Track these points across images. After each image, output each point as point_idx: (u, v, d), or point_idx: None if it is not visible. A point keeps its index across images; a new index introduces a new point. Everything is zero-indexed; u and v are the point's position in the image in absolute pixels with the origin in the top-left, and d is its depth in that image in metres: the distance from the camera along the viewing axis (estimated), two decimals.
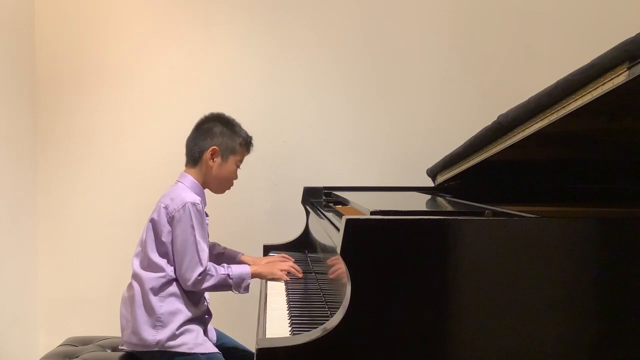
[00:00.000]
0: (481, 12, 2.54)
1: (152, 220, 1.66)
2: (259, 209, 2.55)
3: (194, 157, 1.74)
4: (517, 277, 1.09)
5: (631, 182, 1.78)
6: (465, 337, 1.09)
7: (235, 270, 1.68)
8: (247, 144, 1.78)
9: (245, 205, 2.55)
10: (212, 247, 1.95)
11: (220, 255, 1.94)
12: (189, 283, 1.61)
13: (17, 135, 2.40)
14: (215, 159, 1.72)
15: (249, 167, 2.54)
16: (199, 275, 1.61)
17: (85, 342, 1.93)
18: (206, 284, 1.63)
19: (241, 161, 1.79)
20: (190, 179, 1.73)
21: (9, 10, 2.34)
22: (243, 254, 1.96)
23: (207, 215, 1.74)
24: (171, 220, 1.63)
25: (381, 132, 2.56)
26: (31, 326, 2.53)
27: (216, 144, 1.72)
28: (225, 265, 1.69)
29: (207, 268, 1.63)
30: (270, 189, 2.55)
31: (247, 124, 2.58)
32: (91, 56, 2.53)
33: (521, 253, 1.09)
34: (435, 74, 2.55)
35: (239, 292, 1.69)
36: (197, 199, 1.66)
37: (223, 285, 1.66)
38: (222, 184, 1.78)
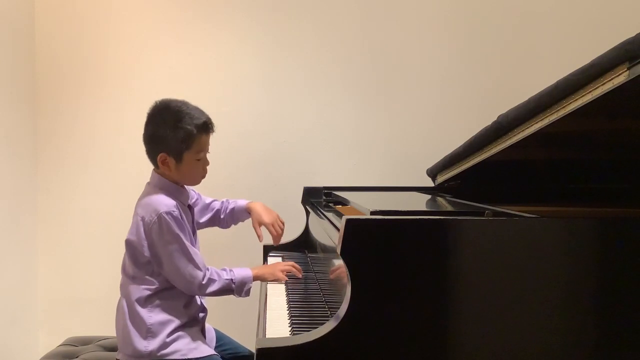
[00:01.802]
0: (481, 12, 2.54)
1: (127, 242, 1.60)
2: None
3: (151, 160, 1.66)
4: (517, 277, 1.09)
5: (631, 182, 1.78)
6: (465, 337, 1.09)
7: (238, 274, 1.66)
8: (200, 130, 1.59)
9: None
10: (221, 208, 1.92)
11: (231, 212, 1.92)
12: (194, 290, 1.60)
13: (17, 135, 2.40)
14: (169, 164, 1.60)
15: (249, 167, 2.56)
16: (202, 280, 1.58)
17: (85, 342, 1.94)
18: (210, 289, 1.61)
19: (203, 149, 1.63)
20: (159, 180, 1.64)
21: (8, 10, 2.34)
22: (248, 202, 1.91)
23: (191, 209, 1.71)
24: (149, 232, 1.55)
25: (381, 132, 2.56)
26: (31, 326, 2.53)
27: (162, 149, 1.60)
28: (227, 268, 1.68)
29: (210, 273, 1.61)
30: (270, 189, 2.55)
31: (247, 124, 2.59)
32: (91, 56, 2.53)
33: (521, 253, 1.09)
34: (435, 74, 2.55)
35: (241, 296, 1.68)
36: (172, 205, 1.56)
37: (226, 290, 1.64)
38: (190, 179, 1.66)
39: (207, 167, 1.68)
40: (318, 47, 2.54)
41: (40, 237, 2.56)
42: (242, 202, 1.92)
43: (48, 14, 2.52)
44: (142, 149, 2.50)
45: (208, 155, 1.67)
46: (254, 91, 2.55)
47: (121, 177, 2.54)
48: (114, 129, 2.54)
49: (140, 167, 2.49)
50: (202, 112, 1.64)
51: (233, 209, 1.92)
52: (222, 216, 1.92)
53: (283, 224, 1.89)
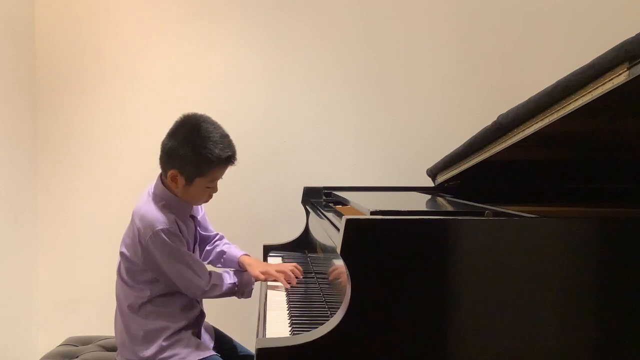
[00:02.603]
0: (482, 12, 2.54)
1: (121, 254, 1.60)
2: (259, 209, 2.55)
3: (162, 170, 1.62)
4: (517, 277, 1.09)
5: (631, 182, 1.78)
6: (465, 337, 1.09)
7: (240, 277, 1.67)
8: (220, 162, 1.56)
9: (245, 205, 2.55)
10: (212, 239, 1.88)
11: (221, 254, 1.85)
12: (198, 296, 1.61)
13: (17, 135, 2.40)
14: (177, 183, 1.57)
15: (249, 167, 2.56)
16: (205, 287, 1.59)
17: (85, 342, 1.94)
18: (213, 294, 1.62)
19: (216, 179, 1.60)
20: (163, 190, 1.60)
21: (9, 11, 2.34)
22: (243, 255, 1.82)
23: (194, 219, 1.70)
24: (146, 246, 1.54)
25: (381, 132, 2.56)
26: (31, 326, 2.53)
27: (177, 167, 1.55)
28: (230, 272, 1.68)
29: (212, 279, 1.61)
30: (270, 189, 2.55)
31: (247, 124, 2.59)
32: (91, 56, 2.53)
33: (521, 253, 1.09)
34: (435, 74, 2.55)
35: (243, 297, 1.69)
36: (167, 221, 1.53)
37: (230, 292, 1.66)
38: (192, 201, 1.63)
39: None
40: (318, 47, 2.54)
41: (40, 237, 2.56)
42: (235, 252, 1.83)
43: (48, 14, 2.52)
44: (141, 149, 2.52)
45: (220, 182, 1.64)
46: (253, 91, 2.55)
47: (121, 177, 2.54)
48: (114, 129, 2.54)
49: (140, 167, 2.51)
50: (229, 144, 1.59)
51: (223, 252, 1.83)
52: (207, 247, 1.86)
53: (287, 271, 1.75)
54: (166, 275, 1.57)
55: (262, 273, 1.72)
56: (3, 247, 2.29)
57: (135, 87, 2.54)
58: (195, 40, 2.54)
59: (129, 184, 2.51)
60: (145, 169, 2.49)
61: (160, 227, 1.52)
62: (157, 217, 1.54)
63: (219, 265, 1.86)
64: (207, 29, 2.54)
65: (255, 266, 1.76)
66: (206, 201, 1.66)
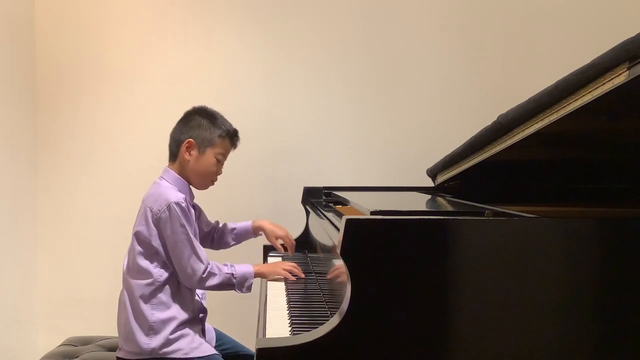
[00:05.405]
0: (481, 11, 2.54)
1: (137, 233, 1.61)
2: (259, 209, 2.55)
3: (172, 151, 1.71)
4: (517, 277, 1.09)
5: (631, 182, 1.78)
6: (465, 337, 1.09)
7: (239, 269, 1.67)
8: (229, 136, 1.72)
9: (245, 205, 2.55)
10: (216, 227, 1.95)
11: (232, 231, 1.95)
12: (194, 282, 1.61)
13: (17, 135, 2.40)
14: (191, 152, 1.67)
15: (249, 167, 2.56)
16: (203, 273, 1.60)
17: (85, 342, 1.94)
18: (210, 283, 1.62)
19: (224, 155, 1.72)
20: (172, 175, 1.68)
21: (9, 11, 2.34)
22: (254, 221, 1.96)
23: (195, 208, 1.74)
24: (157, 222, 1.59)
25: (381, 132, 2.56)
26: (31, 326, 2.53)
27: (192, 136, 1.67)
28: (228, 264, 1.68)
29: (210, 267, 1.62)
30: (270, 189, 2.55)
31: (247, 124, 2.58)
32: (91, 57, 2.53)
33: (521, 253, 1.09)
34: (435, 73, 2.55)
35: (242, 292, 1.69)
36: (181, 197, 1.61)
37: (227, 284, 1.65)
38: (202, 179, 1.72)
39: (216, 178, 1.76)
40: (318, 47, 2.55)
41: (40, 237, 2.56)
42: (245, 223, 1.97)
43: (48, 14, 2.52)
44: (141, 149, 2.51)
45: (219, 181, 1.75)
46: (254, 91, 2.55)
47: (121, 177, 2.54)
48: (114, 129, 2.54)
49: (140, 167, 2.51)
50: (231, 125, 1.75)
51: (234, 229, 1.96)
52: (214, 235, 1.95)
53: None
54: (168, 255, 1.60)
55: (280, 237, 1.93)
56: (3, 247, 2.29)
57: (136, 87, 2.54)
58: (196, 41, 2.54)
59: (129, 184, 2.51)
60: (145, 168, 2.50)
61: (174, 200, 1.59)
62: (170, 193, 1.62)
63: (233, 243, 1.96)
64: (207, 29, 2.54)
65: (274, 227, 1.93)
66: (212, 183, 1.74)
